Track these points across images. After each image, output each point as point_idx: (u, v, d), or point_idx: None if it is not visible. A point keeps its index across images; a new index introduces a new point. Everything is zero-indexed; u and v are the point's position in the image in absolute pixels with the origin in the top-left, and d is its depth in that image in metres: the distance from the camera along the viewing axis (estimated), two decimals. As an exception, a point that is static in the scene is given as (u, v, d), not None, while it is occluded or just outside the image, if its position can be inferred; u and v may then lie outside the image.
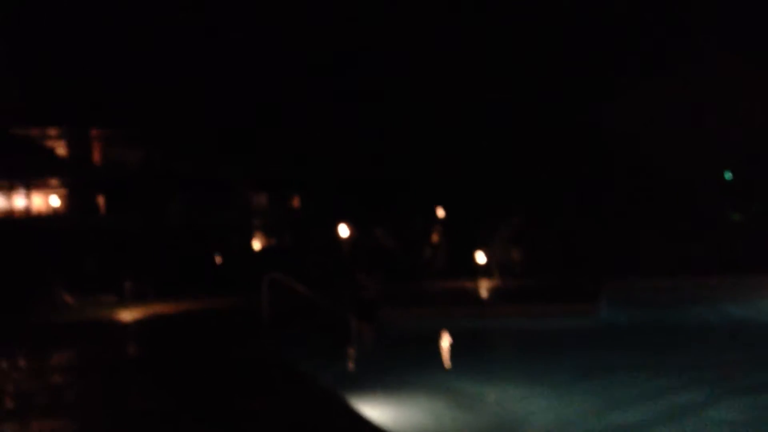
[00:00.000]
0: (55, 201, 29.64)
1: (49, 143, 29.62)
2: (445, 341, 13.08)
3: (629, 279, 18.24)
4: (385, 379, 10.07)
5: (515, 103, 22.88)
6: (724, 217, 22.76)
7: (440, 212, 23.47)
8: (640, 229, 21.64)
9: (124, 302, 16.59)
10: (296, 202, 30.69)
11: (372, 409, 8.11)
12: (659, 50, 21.26)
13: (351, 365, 11.27)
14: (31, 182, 28.97)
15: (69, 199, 29.39)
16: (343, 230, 22.84)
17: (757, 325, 13.40)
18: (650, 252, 20.81)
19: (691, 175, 21.99)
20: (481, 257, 21.55)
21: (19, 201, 29.06)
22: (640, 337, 12.56)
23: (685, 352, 11.38)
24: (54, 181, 29.57)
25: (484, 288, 18.72)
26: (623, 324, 14.00)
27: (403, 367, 10.77)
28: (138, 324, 14.40)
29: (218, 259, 22.78)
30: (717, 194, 22.62)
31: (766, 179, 22.21)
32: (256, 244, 28.64)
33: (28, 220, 28.07)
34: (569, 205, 22.99)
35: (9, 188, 28.63)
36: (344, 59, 23.85)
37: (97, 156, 29.82)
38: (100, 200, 28.95)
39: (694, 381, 9.08)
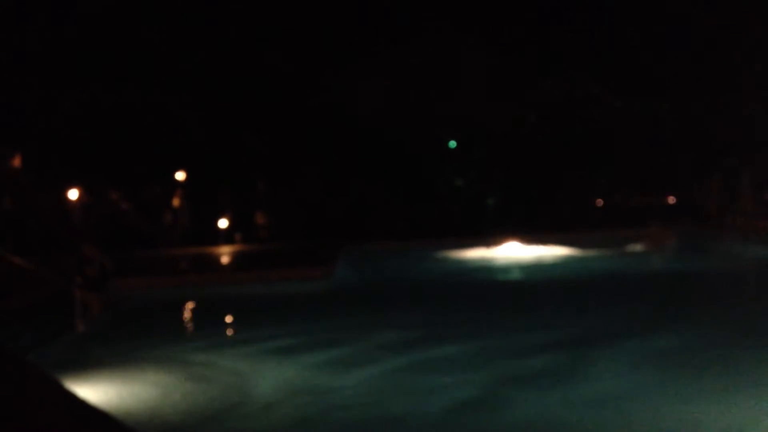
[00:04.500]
0: None
1: None
2: (180, 311, 12.84)
3: (365, 243, 19.35)
4: (113, 355, 9.65)
5: (252, 76, 22.82)
6: (447, 184, 24.97)
7: (181, 175, 22.73)
8: (378, 197, 23.01)
9: None
10: (18, 161, 27.60)
11: (96, 390, 7.76)
12: (384, 28, 22.42)
13: (76, 342, 10.61)
14: None
15: None
16: (73, 194, 21.20)
17: (475, 284, 15.04)
18: (386, 217, 22.29)
19: (419, 146, 23.76)
20: (223, 222, 21.41)
21: None
22: (370, 297, 13.45)
23: (411, 307, 12.43)
24: None
25: (225, 254, 18.63)
26: (356, 285, 14.85)
27: (133, 341, 10.40)
28: None
29: None
30: (440, 163, 24.69)
31: (482, 148, 24.64)
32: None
33: None
34: (313, 173, 23.61)
35: None
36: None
37: None
38: None
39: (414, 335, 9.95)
